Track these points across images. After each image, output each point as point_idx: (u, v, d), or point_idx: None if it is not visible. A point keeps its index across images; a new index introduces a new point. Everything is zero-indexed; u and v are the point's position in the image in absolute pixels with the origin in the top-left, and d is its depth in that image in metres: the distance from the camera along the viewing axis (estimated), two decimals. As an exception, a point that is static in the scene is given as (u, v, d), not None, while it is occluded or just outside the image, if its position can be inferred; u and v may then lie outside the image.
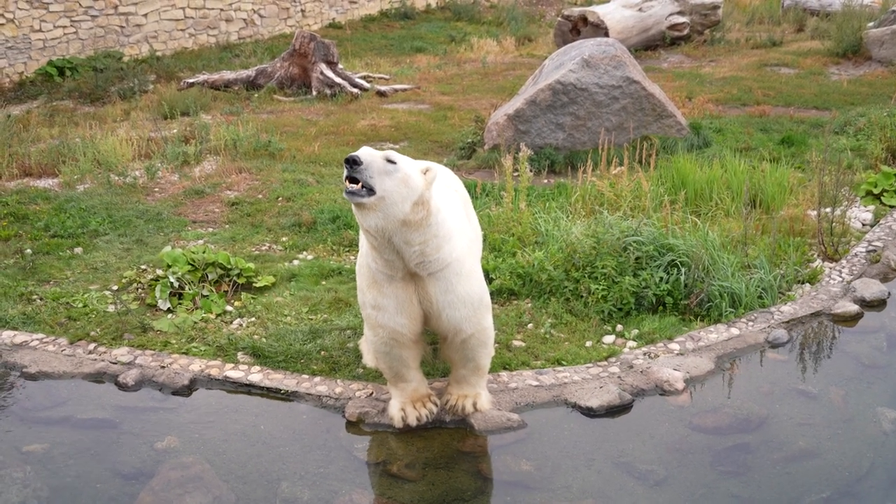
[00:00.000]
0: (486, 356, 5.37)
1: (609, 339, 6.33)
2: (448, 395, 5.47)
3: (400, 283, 4.92)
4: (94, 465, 5.10)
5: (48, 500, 4.83)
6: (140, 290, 7.08)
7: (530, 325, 6.50)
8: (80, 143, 10.85)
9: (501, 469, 5.05)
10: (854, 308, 6.75)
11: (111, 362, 6.06)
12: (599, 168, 8.68)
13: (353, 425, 5.40)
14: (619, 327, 6.46)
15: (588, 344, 6.26)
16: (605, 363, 6.01)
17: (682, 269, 6.68)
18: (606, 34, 17.04)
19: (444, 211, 4.87)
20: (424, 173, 4.66)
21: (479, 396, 5.42)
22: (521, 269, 7.01)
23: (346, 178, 4.44)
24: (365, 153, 4.49)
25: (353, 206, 4.55)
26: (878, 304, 6.87)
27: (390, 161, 4.52)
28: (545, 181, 9.71)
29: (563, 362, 6.01)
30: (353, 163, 4.40)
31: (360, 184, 4.43)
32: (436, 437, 5.29)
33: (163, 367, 5.98)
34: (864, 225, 8.41)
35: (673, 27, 18.74)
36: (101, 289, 7.15)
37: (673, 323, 6.46)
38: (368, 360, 5.92)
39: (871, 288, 6.97)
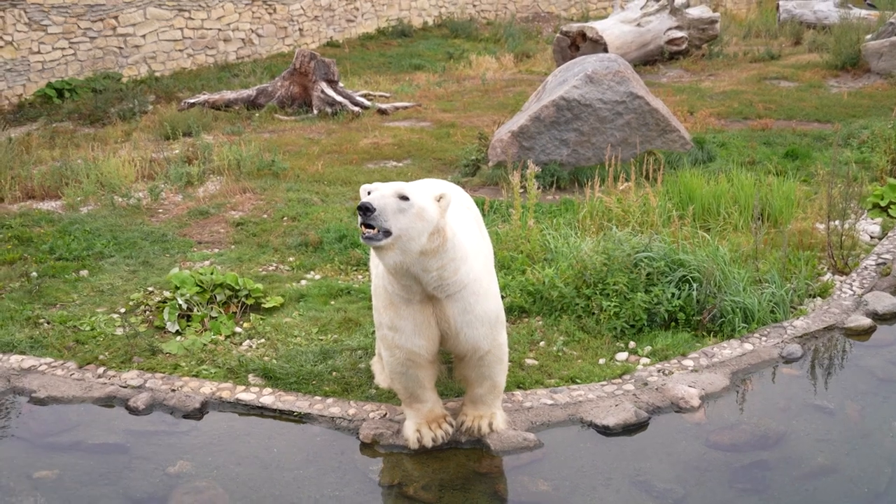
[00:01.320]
0: (502, 373, 5.33)
1: (622, 356, 6.29)
2: (463, 416, 5.41)
3: (417, 305, 4.89)
4: (106, 490, 5.05)
5: (60, 527, 4.79)
6: (148, 312, 7.03)
7: (542, 343, 6.47)
8: (82, 164, 10.82)
9: (518, 490, 5.00)
10: (867, 322, 6.72)
11: (121, 386, 6.01)
12: (606, 184, 8.66)
13: (368, 447, 5.35)
14: (632, 344, 6.42)
15: (601, 361, 6.22)
16: (620, 381, 5.97)
17: (694, 285, 6.65)
18: (605, 49, 17.07)
19: (460, 234, 4.85)
20: (438, 200, 4.64)
21: (494, 416, 5.37)
22: (531, 287, 6.97)
23: (361, 224, 4.42)
24: (377, 199, 4.43)
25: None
26: (890, 318, 6.83)
27: (403, 198, 4.49)
28: (550, 197, 9.69)
29: (578, 380, 5.97)
30: (365, 210, 4.38)
31: (375, 228, 4.41)
32: (452, 458, 5.24)
33: (173, 390, 5.93)
34: (871, 237, 8.39)
35: (671, 42, 18.79)
36: (108, 311, 7.10)
37: (686, 339, 6.43)
38: (381, 380, 5.88)
39: (884, 301, 6.94)
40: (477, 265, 4.96)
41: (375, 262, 5.11)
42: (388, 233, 4.43)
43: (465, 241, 4.90)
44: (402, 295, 4.86)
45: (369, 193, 4.57)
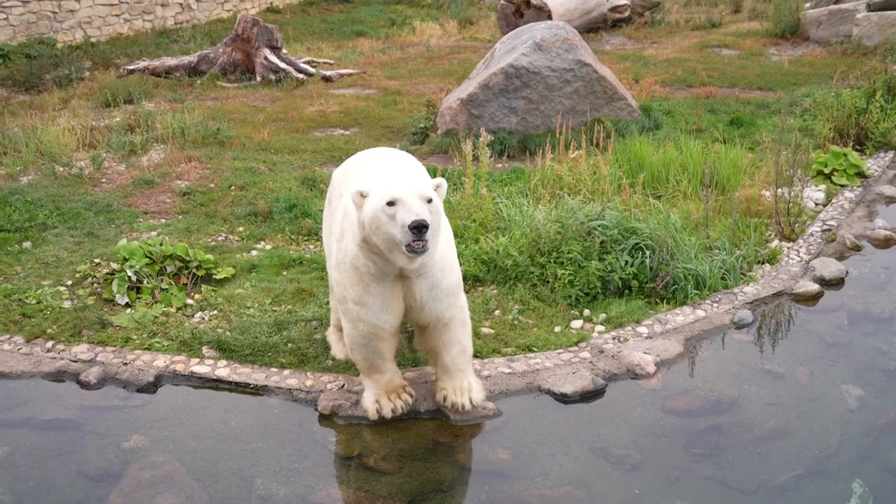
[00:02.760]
0: (468, 336, 5.32)
1: (577, 323, 6.32)
2: (442, 390, 5.34)
3: (388, 282, 4.86)
4: (60, 467, 4.94)
5: (13, 504, 4.69)
6: (96, 284, 6.88)
7: (497, 312, 6.47)
8: (20, 132, 10.53)
9: (478, 458, 5.02)
10: (814, 287, 6.84)
11: (71, 360, 5.89)
12: (557, 152, 8.67)
13: (327, 418, 5.32)
14: (587, 312, 6.46)
15: (557, 329, 6.25)
16: (576, 348, 6.00)
17: (647, 252, 6.70)
18: (549, 17, 17.05)
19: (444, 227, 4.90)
20: (436, 189, 4.70)
21: (472, 388, 5.33)
22: (485, 256, 6.97)
23: (414, 241, 4.40)
24: (423, 212, 4.41)
25: (399, 247, 4.49)
26: (836, 283, 6.97)
27: (429, 200, 4.53)
28: (500, 166, 9.68)
29: (534, 349, 6.00)
30: (421, 229, 4.37)
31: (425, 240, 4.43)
32: (411, 429, 5.23)
33: (125, 363, 5.83)
34: (816, 204, 8.54)
35: (614, 9, 18.85)
36: (54, 284, 6.94)
37: (640, 306, 6.48)
38: (338, 351, 5.84)
39: (830, 267, 7.07)
40: (444, 239, 4.96)
41: (335, 238, 5.05)
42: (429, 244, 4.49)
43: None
44: (377, 275, 4.82)
45: (391, 204, 4.46)
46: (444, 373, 5.32)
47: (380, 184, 4.61)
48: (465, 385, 5.29)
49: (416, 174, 5.27)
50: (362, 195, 4.61)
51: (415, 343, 5.64)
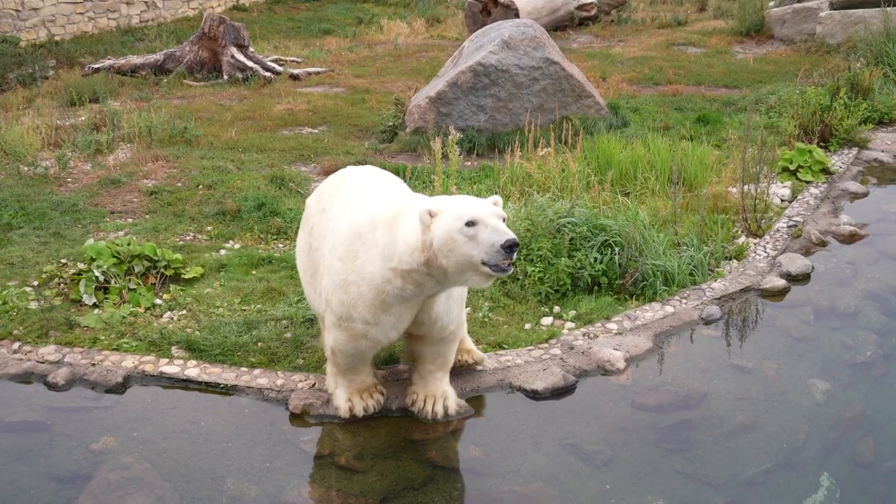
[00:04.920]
0: (454, 350, 5.34)
1: (547, 320, 6.34)
2: (414, 394, 5.33)
3: (412, 301, 4.78)
4: (28, 470, 4.88)
5: (-20, 508, 4.63)
6: (62, 285, 6.80)
7: (468, 310, 6.47)
8: (-17, 132, 10.40)
9: (451, 456, 5.02)
10: (781, 283, 6.91)
11: (38, 361, 5.82)
12: (526, 149, 8.69)
13: (298, 418, 5.29)
14: (557, 309, 6.48)
15: (527, 326, 6.26)
16: (546, 345, 6.02)
17: (616, 249, 6.73)
18: (517, 15, 17.08)
19: None
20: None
21: (447, 396, 5.30)
22: (455, 253, 6.96)
23: (508, 264, 4.34)
24: (510, 231, 4.37)
25: (482, 272, 4.41)
26: (803, 279, 7.04)
27: (503, 220, 4.49)
28: (469, 164, 9.68)
29: (505, 346, 6.01)
30: (514, 248, 4.31)
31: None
32: (383, 427, 5.22)
33: (94, 364, 5.76)
34: (782, 201, 8.62)
35: (581, 7, 18.92)
36: (20, 285, 6.85)
37: (609, 303, 6.51)
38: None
39: (796, 262, 7.15)
40: None
41: (337, 256, 4.87)
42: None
43: None
44: (407, 296, 4.70)
45: (470, 224, 4.34)
46: (419, 377, 5.31)
47: (452, 204, 4.46)
48: (438, 393, 5.27)
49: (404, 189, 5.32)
50: (431, 214, 4.43)
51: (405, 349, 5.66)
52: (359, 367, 5.18)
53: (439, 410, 5.23)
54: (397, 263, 4.56)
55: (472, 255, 4.33)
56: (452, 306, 5.00)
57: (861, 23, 14.69)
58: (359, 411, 5.20)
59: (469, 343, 5.71)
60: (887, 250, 7.64)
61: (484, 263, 4.33)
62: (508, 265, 4.33)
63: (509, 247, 4.27)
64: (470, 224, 4.33)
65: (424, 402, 5.27)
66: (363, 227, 4.75)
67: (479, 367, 5.66)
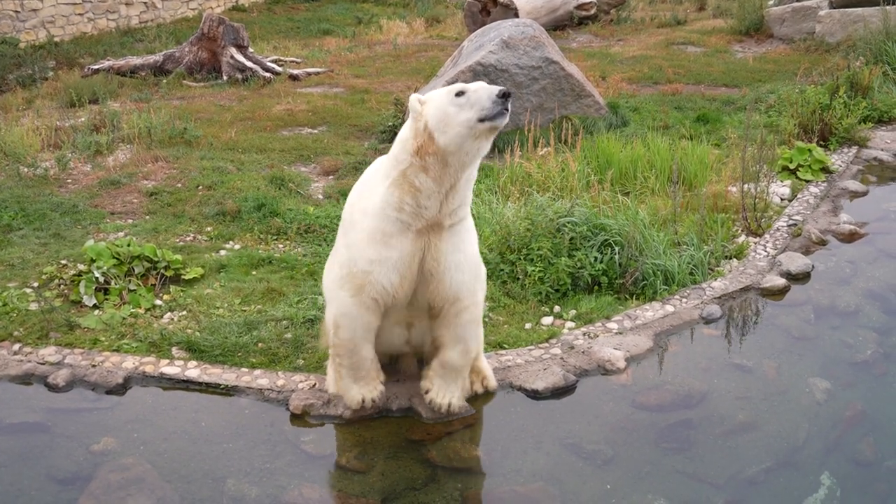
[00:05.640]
0: (476, 339, 5.23)
1: (548, 320, 6.34)
2: (429, 383, 5.26)
3: (412, 235, 4.75)
4: (28, 471, 4.87)
5: (-19, 510, 4.63)
6: (63, 286, 6.80)
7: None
8: (-17, 133, 10.40)
9: (451, 456, 5.01)
10: (781, 282, 6.91)
11: (39, 363, 5.81)
12: (526, 149, 8.69)
13: (298, 418, 5.28)
14: (557, 308, 6.48)
15: (528, 326, 6.26)
16: (547, 345, 6.02)
17: (616, 249, 6.74)
18: (516, 14, 17.09)
19: None
20: None
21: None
22: (455, 253, 6.96)
23: (501, 111, 4.44)
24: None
25: (480, 133, 4.50)
26: (803, 277, 7.04)
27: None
28: (468, 163, 9.66)
29: (505, 345, 6.01)
30: (509, 95, 4.46)
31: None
32: (383, 427, 5.22)
33: (94, 365, 5.76)
34: (782, 200, 8.62)
35: (580, 7, 18.93)
36: (20, 286, 6.84)
37: (609, 302, 6.51)
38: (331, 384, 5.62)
39: (796, 261, 7.15)
40: (469, 206, 4.96)
41: (378, 192, 4.86)
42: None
43: None
44: (407, 220, 4.71)
45: (460, 94, 4.50)
46: (439, 367, 5.19)
47: (438, 89, 4.69)
48: (452, 387, 5.23)
49: None
50: (421, 102, 4.62)
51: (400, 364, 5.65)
52: (362, 348, 5.10)
53: (452, 401, 5.21)
54: (394, 166, 4.71)
55: (468, 119, 4.46)
56: (462, 262, 4.89)
57: (860, 21, 14.69)
58: (368, 402, 5.17)
59: (484, 363, 5.57)
60: (887, 249, 7.64)
61: (481, 120, 4.44)
62: (504, 111, 4.44)
63: (503, 95, 4.43)
64: (459, 94, 4.52)
65: (438, 394, 5.21)
66: (368, 175, 4.97)
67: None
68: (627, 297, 6.63)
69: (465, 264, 4.91)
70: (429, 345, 5.33)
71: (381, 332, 5.14)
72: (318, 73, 15.08)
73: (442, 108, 4.51)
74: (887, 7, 13.99)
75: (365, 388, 5.18)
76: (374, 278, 4.80)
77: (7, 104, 12.91)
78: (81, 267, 6.86)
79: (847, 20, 15.20)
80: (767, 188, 8.25)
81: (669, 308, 6.52)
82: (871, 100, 11.17)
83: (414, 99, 4.64)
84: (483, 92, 4.47)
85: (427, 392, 5.22)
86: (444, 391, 5.20)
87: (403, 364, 5.65)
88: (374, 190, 4.86)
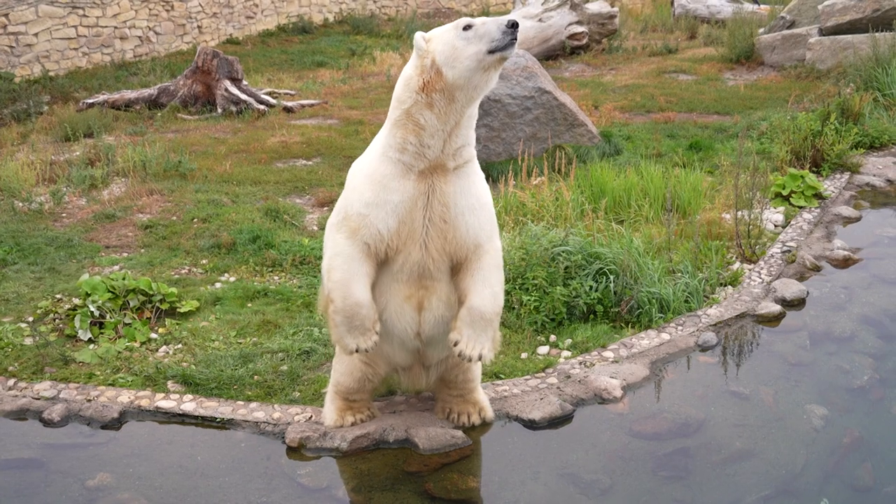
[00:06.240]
0: (501, 284, 4.91)
1: (544, 349, 6.34)
2: (456, 334, 4.81)
3: (415, 178, 4.65)
4: (23, 508, 4.87)
5: (-24, 548, 4.60)
6: (57, 320, 6.79)
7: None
8: (-22, 169, 10.40)
9: (448, 487, 4.98)
10: (776, 308, 6.91)
11: (34, 398, 5.78)
12: (519, 178, 8.72)
13: (295, 451, 5.25)
14: (553, 337, 6.48)
15: (524, 356, 6.26)
16: (543, 374, 6.01)
17: (611, 277, 6.74)
18: (509, 45, 17.18)
19: None
20: None
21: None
22: (450, 283, 6.96)
23: (511, 41, 4.44)
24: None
25: (489, 64, 4.50)
26: (798, 304, 7.05)
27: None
28: (463, 193, 9.68)
29: (501, 375, 6.00)
30: (516, 25, 4.43)
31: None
32: (379, 459, 5.19)
33: (89, 400, 5.74)
34: (776, 226, 8.64)
35: (572, 37, 19.03)
36: (15, 321, 6.83)
37: (605, 331, 6.51)
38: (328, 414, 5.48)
39: (791, 288, 7.16)
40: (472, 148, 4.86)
41: (383, 135, 4.82)
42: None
43: None
44: (409, 161, 4.63)
45: (467, 28, 4.50)
46: (467, 314, 4.77)
47: (443, 27, 4.68)
48: (483, 338, 4.82)
49: None
50: (426, 39, 4.60)
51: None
52: (355, 290, 4.75)
53: (485, 353, 4.88)
54: (396, 107, 4.67)
55: (478, 51, 4.45)
56: (475, 204, 4.75)
57: (850, 48, 14.80)
58: (362, 350, 4.86)
59: (481, 394, 5.49)
60: (881, 274, 7.65)
61: (490, 52, 4.44)
62: (513, 40, 4.45)
63: (511, 25, 4.41)
64: (467, 28, 4.49)
65: (468, 345, 4.81)
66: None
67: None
68: (623, 325, 6.63)
69: (477, 206, 4.76)
70: (441, 350, 5.15)
71: (388, 313, 4.92)
72: (312, 105, 15.14)
73: (450, 42, 4.49)
74: (876, 34, 14.10)
75: (360, 338, 4.83)
76: (369, 221, 4.66)
77: (2, 139, 12.91)
78: (76, 301, 6.86)
79: (837, 47, 15.31)
80: (761, 215, 8.28)
81: (665, 336, 6.52)
82: (862, 126, 11.23)
83: (419, 36, 4.59)
84: (492, 24, 4.45)
85: (456, 344, 4.78)
86: (473, 341, 4.78)
87: (409, 379, 5.41)
88: (376, 141, 4.85)
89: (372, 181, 4.69)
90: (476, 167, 4.87)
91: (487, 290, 4.79)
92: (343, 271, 4.75)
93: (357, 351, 4.86)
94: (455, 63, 4.50)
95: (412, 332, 4.96)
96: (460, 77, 4.50)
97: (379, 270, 4.85)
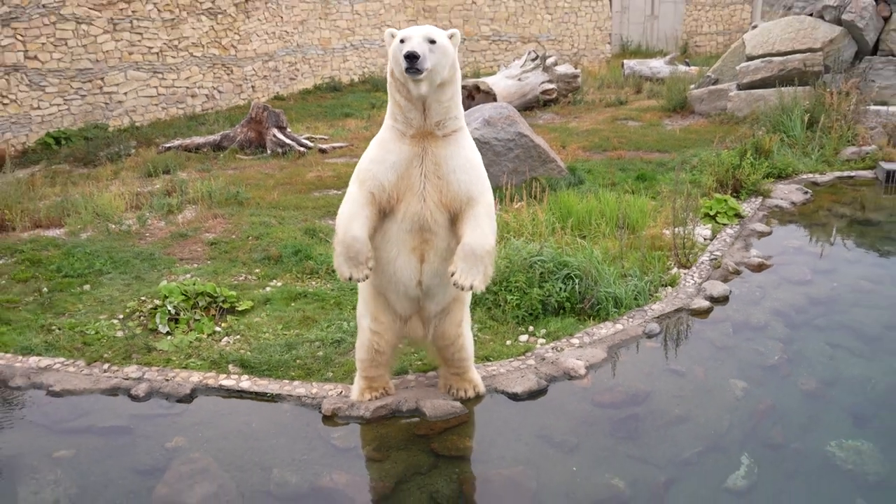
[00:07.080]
0: (492, 230, 4.62)
1: (524, 338, 6.32)
2: (453, 267, 4.52)
3: (408, 141, 4.53)
4: (115, 465, 4.85)
5: (77, 496, 4.57)
6: (142, 317, 6.78)
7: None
8: (80, 198, 10.38)
9: (449, 447, 4.97)
10: (706, 304, 6.90)
11: (123, 378, 5.78)
12: (504, 203, 8.71)
13: (329, 419, 5.25)
14: (531, 328, 6.46)
15: (508, 343, 6.24)
16: (523, 357, 5.99)
17: (576, 280, 6.73)
18: (495, 99, 17.17)
19: (458, 73, 4.60)
20: (450, 38, 4.52)
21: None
22: (450, 286, 6.94)
23: (408, 68, 4.24)
24: (417, 46, 4.27)
25: (406, 78, 4.32)
26: (723, 300, 7.04)
27: (432, 41, 4.36)
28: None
29: (491, 358, 5.98)
30: (414, 57, 4.22)
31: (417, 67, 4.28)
32: (395, 425, 5.19)
33: (167, 379, 5.74)
34: (705, 239, 8.62)
35: (544, 92, 19.00)
36: (109, 318, 6.83)
37: (572, 323, 6.49)
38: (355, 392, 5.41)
39: (717, 287, 7.14)
40: (459, 110, 4.61)
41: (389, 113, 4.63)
42: (423, 70, 4.29)
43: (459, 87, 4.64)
44: (401, 128, 4.53)
45: (403, 41, 4.33)
46: (462, 251, 4.51)
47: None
48: (475, 271, 4.51)
49: None
50: (393, 35, 4.48)
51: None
52: (354, 226, 4.57)
53: (476, 283, 4.55)
54: (391, 86, 4.53)
55: (400, 65, 4.33)
56: (465, 164, 4.52)
57: (762, 100, 14.81)
58: (355, 280, 4.65)
59: (475, 374, 5.40)
60: (788, 276, 7.64)
61: (404, 71, 4.31)
62: (409, 67, 4.24)
63: (406, 56, 4.21)
64: (402, 41, 4.34)
65: (463, 275, 4.50)
66: None
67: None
68: (586, 318, 6.61)
69: (467, 166, 4.53)
70: (437, 303, 4.99)
71: (398, 262, 4.73)
72: (341, 147, 15.12)
73: (391, 49, 4.39)
74: (782, 88, 14.14)
75: (354, 269, 4.62)
76: (373, 174, 4.55)
77: (99, 175, 12.92)
78: (157, 302, 6.85)
79: (751, 99, 15.31)
80: (693, 231, 8.26)
81: (619, 326, 6.50)
82: (771, 160, 11.22)
83: (388, 33, 4.48)
84: (400, 53, 4.27)
85: (453, 274, 4.49)
86: (467, 273, 4.47)
87: (410, 330, 5.24)
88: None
89: (377, 144, 4.65)
90: (465, 136, 4.63)
91: (478, 231, 4.51)
92: (348, 210, 4.62)
93: (351, 279, 4.63)
94: (396, 65, 4.41)
95: (415, 280, 4.78)
96: (400, 76, 4.42)
97: (387, 222, 4.68)
